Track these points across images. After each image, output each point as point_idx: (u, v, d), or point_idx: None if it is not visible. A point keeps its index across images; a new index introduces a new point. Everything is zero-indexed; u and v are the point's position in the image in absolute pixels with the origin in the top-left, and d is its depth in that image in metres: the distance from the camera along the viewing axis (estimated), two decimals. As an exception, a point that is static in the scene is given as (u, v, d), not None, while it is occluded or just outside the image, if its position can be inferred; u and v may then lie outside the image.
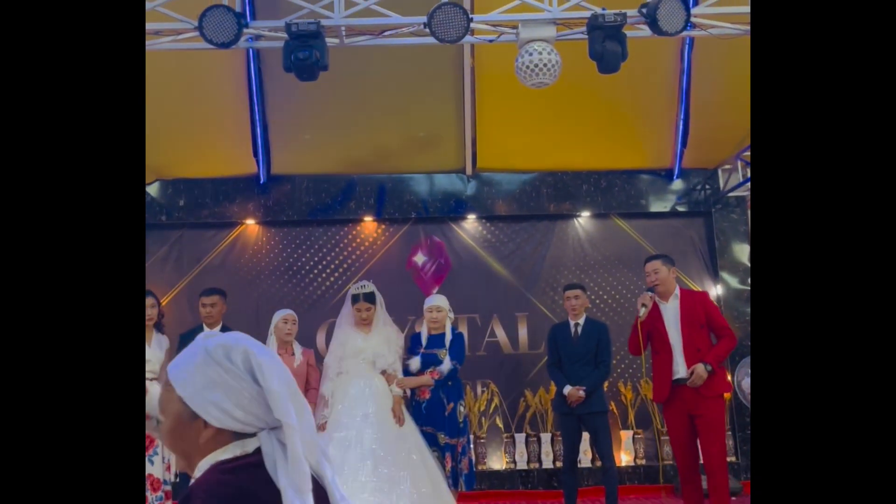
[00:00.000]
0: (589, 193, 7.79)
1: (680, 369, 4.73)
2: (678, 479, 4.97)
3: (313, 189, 7.71)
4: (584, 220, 7.84)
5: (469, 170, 7.66)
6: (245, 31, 4.00)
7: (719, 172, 7.76)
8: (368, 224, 7.77)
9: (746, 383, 6.46)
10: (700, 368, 4.64)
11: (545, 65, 3.97)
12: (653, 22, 3.94)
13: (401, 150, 7.49)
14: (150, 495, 5.18)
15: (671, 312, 4.82)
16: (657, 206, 7.80)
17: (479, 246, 7.76)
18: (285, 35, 3.96)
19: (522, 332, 7.59)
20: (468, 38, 4.04)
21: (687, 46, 6.56)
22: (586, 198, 7.79)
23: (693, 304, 4.88)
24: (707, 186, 7.81)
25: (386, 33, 4.23)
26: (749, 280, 7.66)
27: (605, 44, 3.93)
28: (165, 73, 5.96)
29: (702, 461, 4.75)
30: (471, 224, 7.81)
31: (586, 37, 4.07)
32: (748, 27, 4.36)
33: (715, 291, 7.70)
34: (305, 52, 3.88)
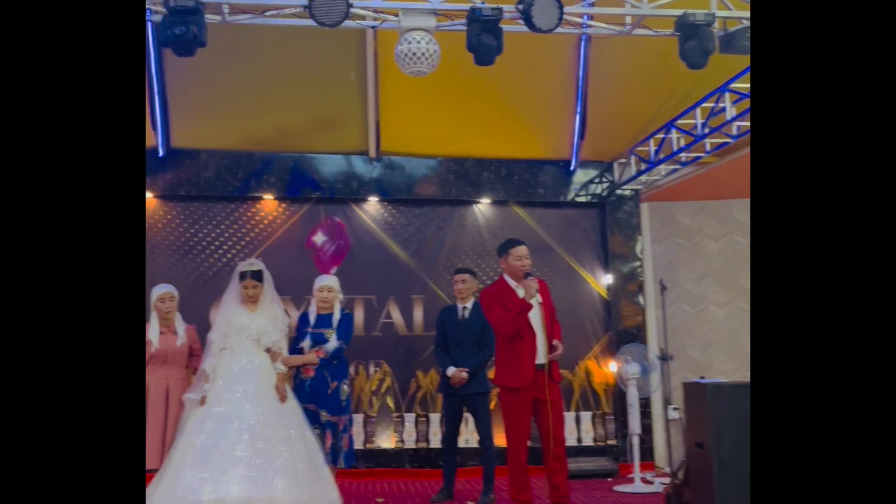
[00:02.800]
0: (489, 181, 7.95)
1: (541, 355, 4.82)
2: (544, 461, 5.02)
3: (214, 165, 7.65)
4: (483, 206, 8.00)
5: (373, 152, 7.71)
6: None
7: (615, 166, 8.01)
8: (269, 202, 7.75)
9: (625, 369, 6.74)
10: (559, 345, 4.84)
11: (423, 54, 4.07)
12: (527, 18, 4.07)
13: (304, 130, 7.49)
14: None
15: (535, 300, 4.93)
16: (554, 196, 8.01)
17: (379, 228, 7.84)
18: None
19: (418, 315, 7.71)
20: (349, 22, 4.10)
21: (583, 42, 6.73)
22: (487, 185, 7.94)
23: (545, 292, 4.98)
24: (603, 179, 8.06)
25: (268, 13, 4.25)
26: (640, 268, 7.95)
27: (482, 37, 4.05)
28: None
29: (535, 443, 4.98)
30: (372, 206, 7.88)
31: (465, 28, 4.18)
32: (622, 27, 4.54)
33: (605, 280, 7.97)
34: (183, 27, 3.86)
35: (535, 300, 4.82)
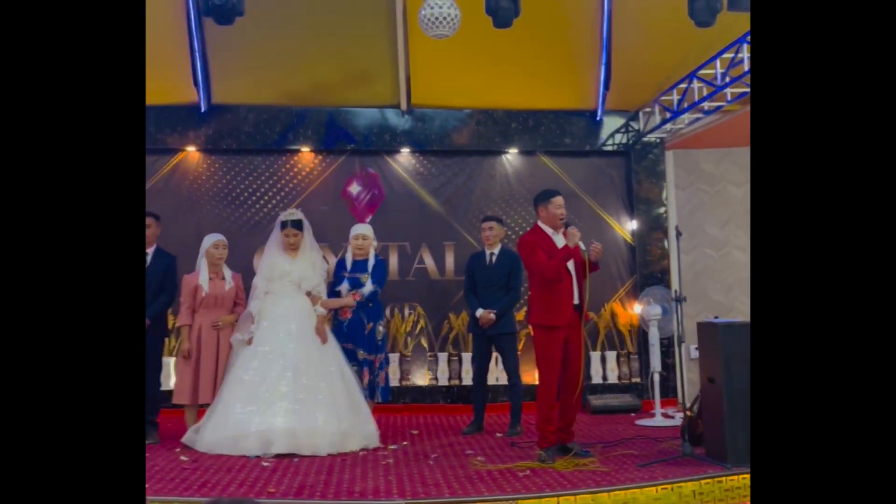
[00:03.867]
0: (517, 131, 8.21)
1: (576, 296, 5.19)
2: (563, 395, 5.34)
3: (253, 119, 8.01)
4: (511, 156, 8.27)
5: (404, 105, 8.00)
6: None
7: (640, 115, 8.20)
8: (306, 154, 8.12)
9: (647, 311, 7.07)
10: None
11: (445, 18, 4.36)
12: (540, -18, 4.33)
13: (338, 85, 7.80)
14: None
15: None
16: (581, 146, 8.25)
17: (411, 178, 8.17)
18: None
19: (449, 260, 8.07)
20: (374, -12, 4.40)
21: (606, -4, 6.92)
22: (515, 135, 8.21)
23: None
24: (629, 128, 8.27)
25: (299, -19, 4.57)
26: (665, 214, 8.19)
27: (500, 1, 4.31)
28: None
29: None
30: (404, 157, 8.20)
31: (482, -8, 4.45)
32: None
33: (630, 226, 8.23)
34: (222, -2, 4.22)
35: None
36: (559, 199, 5.29)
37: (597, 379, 7.96)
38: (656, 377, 7.01)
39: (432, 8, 4.39)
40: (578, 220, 8.07)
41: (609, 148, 8.29)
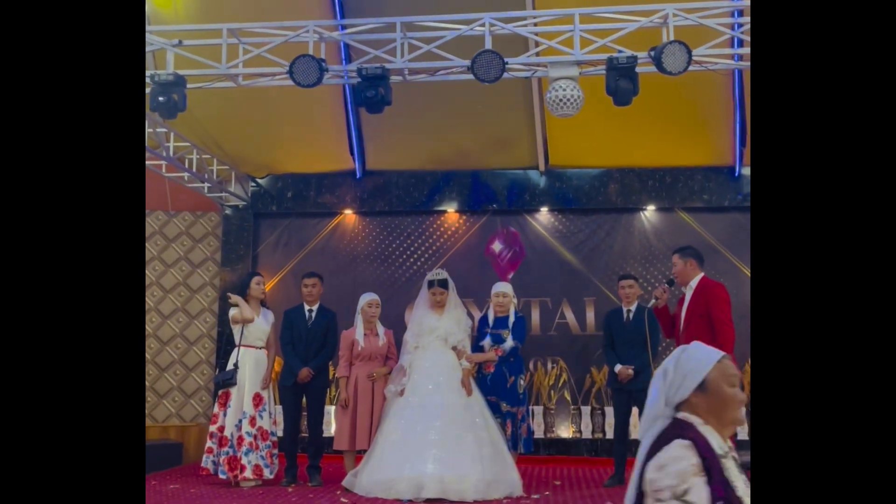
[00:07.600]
0: (654, 188, 8.42)
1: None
2: None
3: (403, 183, 8.68)
4: (649, 213, 8.47)
5: (542, 166, 8.42)
6: (325, 74, 4.95)
7: (780, 169, 8.20)
8: (451, 215, 8.68)
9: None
10: None
11: (569, 99, 4.75)
12: (658, 63, 4.64)
13: (480, 150, 8.34)
14: (260, 443, 6.32)
15: (686, 301, 5.43)
16: (719, 201, 8.33)
17: (551, 236, 8.54)
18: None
19: (590, 315, 8.33)
20: (506, 75, 4.86)
21: (736, 57, 7.06)
22: (651, 192, 8.42)
23: (701, 294, 5.36)
24: (769, 181, 8.27)
25: (439, 73, 5.10)
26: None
27: (619, 82, 4.66)
28: (278, 87, 6.97)
29: None
30: (544, 216, 8.59)
31: (605, 73, 4.82)
32: (744, 64, 4.99)
33: (773, 280, 8.18)
34: (372, 91, 4.81)
35: (686, 301, 5.45)
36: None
37: (742, 435, 7.90)
38: (801, 433, 6.91)
39: (557, 91, 4.81)
40: (719, 276, 8.10)
41: (747, 203, 8.30)
